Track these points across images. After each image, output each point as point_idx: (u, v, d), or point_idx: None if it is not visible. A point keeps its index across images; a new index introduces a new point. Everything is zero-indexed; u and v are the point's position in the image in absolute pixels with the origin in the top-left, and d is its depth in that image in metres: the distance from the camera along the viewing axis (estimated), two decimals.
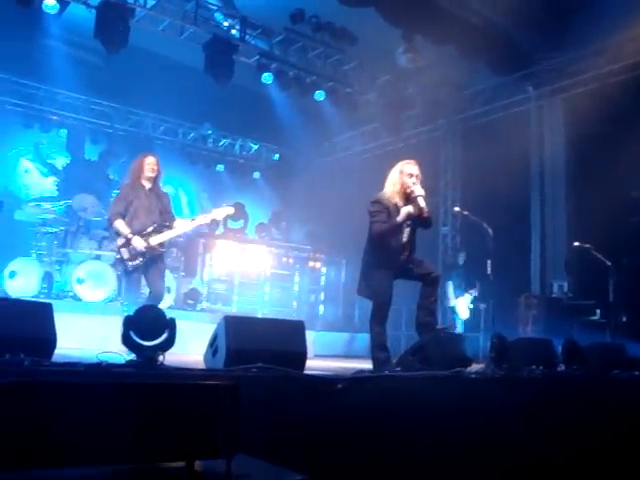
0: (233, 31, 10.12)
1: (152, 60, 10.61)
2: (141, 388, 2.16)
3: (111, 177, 11.49)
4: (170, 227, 6.02)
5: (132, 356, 3.51)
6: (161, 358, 3.49)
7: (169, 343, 3.65)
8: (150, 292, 5.98)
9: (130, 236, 5.71)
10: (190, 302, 9.78)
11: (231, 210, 6.35)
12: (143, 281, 5.94)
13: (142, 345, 3.46)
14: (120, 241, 5.80)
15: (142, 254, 5.75)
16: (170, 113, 12.52)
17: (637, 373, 5.90)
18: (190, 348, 5.17)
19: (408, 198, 5.36)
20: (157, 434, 2.11)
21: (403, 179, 5.38)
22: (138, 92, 10.96)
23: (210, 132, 13.35)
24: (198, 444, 2.13)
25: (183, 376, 3.16)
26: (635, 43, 9.13)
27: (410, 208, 5.25)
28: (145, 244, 5.74)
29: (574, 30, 9.39)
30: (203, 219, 6.17)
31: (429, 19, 9.10)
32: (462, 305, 9.59)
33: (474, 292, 9.67)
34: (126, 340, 3.47)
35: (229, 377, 3.19)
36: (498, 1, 8.56)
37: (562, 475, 3.96)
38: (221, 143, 13.87)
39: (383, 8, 8.81)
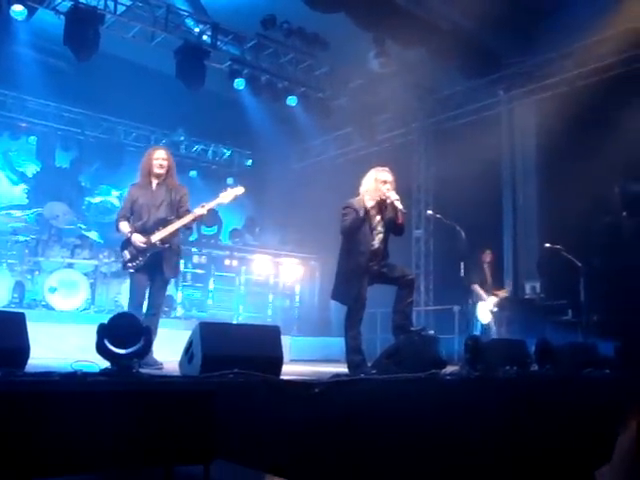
0: (204, 37, 10.08)
1: (123, 66, 10.53)
2: (118, 396, 2.16)
3: (83, 184, 11.38)
4: (171, 222, 5.53)
5: (107, 365, 3.48)
6: (136, 366, 3.46)
7: (144, 351, 3.62)
8: (150, 290, 5.62)
9: (129, 235, 5.43)
10: (165, 309, 9.70)
11: (240, 190, 5.80)
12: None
13: (117, 353, 3.43)
14: (123, 243, 5.54)
15: (142, 252, 5.41)
16: (142, 119, 12.44)
17: (608, 372, 6.01)
18: (165, 355, 5.15)
19: (382, 205, 5.42)
20: (135, 441, 2.10)
21: (377, 186, 5.43)
22: (109, 99, 10.87)
23: (182, 138, 13.29)
24: (176, 450, 2.13)
25: (159, 383, 3.14)
26: (602, 46, 9.31)
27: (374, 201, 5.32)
28: (144, 240, 5.38)
29: (542, 34, 9.54)
30: (210, 205, 5.65)
31: (399, 23, 9.18)
32: (483, 309, 8.95)
33: (502, 293, 9.14)
34: (101, 348, 3.44)
35: (205, 383, 3.18)
36: (466, 5, 8.66)
37: (538, 473, 4.02)
38: (194, 149, 13.81)
39: (353, 13, 8.86)
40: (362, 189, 5.54)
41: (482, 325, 8.89)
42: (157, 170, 5.60)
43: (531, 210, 10.74)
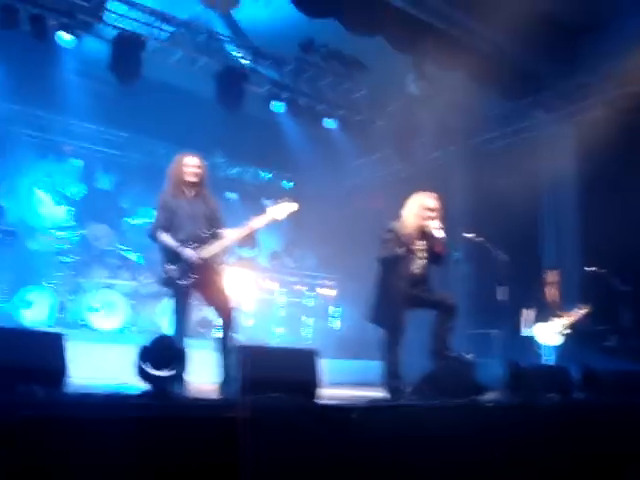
0: (244, 61, 10.24)
1: (164, 90, 10.73)
2: (154, 421, 2.16)
3: (124, 206, 11.57)
4: (219, 237, 5.19)
5: (146, 387, 3.50)
6: (176, 388, 3.48)
7: (181, 373, 3.64)
8: (215, 309, 5.24)
9: (179, 249, 4.98)
10: (201, 330, 9.76)
11: (294, 206, 5.40)
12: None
13: (156, 375, 3.45)
14: (166, 257, 5.08)
15: (195, 269, 4.99)
16: (182, 142, 12.54)
17: None
18: (204, 377, 5.16)
19: (424, 232, 5.38)
20: (171, 466, 2.09)
21: (419, 212, 5.39)
22: (151, 122, 11.07)
23: (222, 160, 13.44)
24: (214, 476, 2.12)
25: (199, 407, 3.14)
26: None
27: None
28: (198, 256, 4.99)
29: (583, 54, 9.44)
30: (260, 221, 5.23)
31: (437, 46, 9.16)
32: (546, 332, 8.55)
33: (582, 309, 8.52)
34: (140, 370, 3.47)
35: (244, 407, 3.17)
36: (505, 26, 8.61)
37: None
38: (233, 171, 13.95)
39: (391, 36, 8.88)
40: (404, 212, 5.50)
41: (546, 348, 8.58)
42: (190, 179, 5.20)
43: (572, 234, 10.53)
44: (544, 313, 8.61)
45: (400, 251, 5.21)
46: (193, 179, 5.22)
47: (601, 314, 8.64)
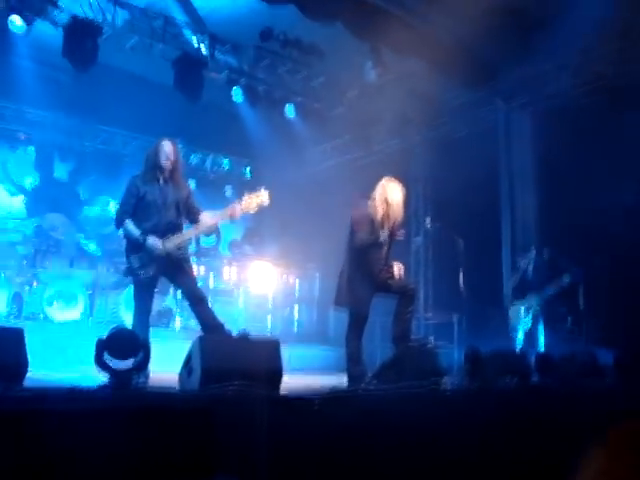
0: (202, 47, 10.13)
1: (121, 77, 10.56)
2: (116, 412, 2.15)
3: (81, 196, 11.38)
4: (192, 222, 5.20)
5: (106, 379, 3.47)
6: (137, 380, 3.45)
7: (143, 364, 3.62)
8: (186, 297, 5.18)
9: (141, 239, 4.89)
10: (164, 320, 9.69)
11: (266, 199, 5.42)
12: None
13: (116, 367, 3.42)
14: (129, 246, 5.01)
15: (157, 259, 4.90)
16: (140, 130, 12.44)
17: (608, 381, 6.00)
18: (165, 367, 5.13)
19: (390, 219, 5.44)
20: (134, 458, 2.09)
21: (396, 200, 5.48)
22: (108, 109, 10.87)
23: (180, 147, 13.29)
24: (174, 467, 2.12)
25: (158, 398, 3.13)
26: (599, 58, 9.35)
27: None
28: (161, 247, 4.91)
29: (540, 45, 9.58)
30: (234, 210, 5.20)
31: (395, 33, 9.18)
32: (520, 310, 8.65)
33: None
34: (99, 362, 3.43)
35: (204, 398, 3.17)
36: (464, 15, 8.69)
37: None
38: (192, 159, 13.81)
39: (349, 23, 8.88)
40: (375, 197, 5.55)
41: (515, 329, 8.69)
42: (164, 164, 5.14)
43: (530, 219, 10.74)
44: (522, 292, 8.73)
45: (382, 236, 5.26)
46: (166, 164, 5.18)
47: (557, 298, 8.84)
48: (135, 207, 5.05)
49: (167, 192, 5.14)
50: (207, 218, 5.27)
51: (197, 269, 10.44)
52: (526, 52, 9.52)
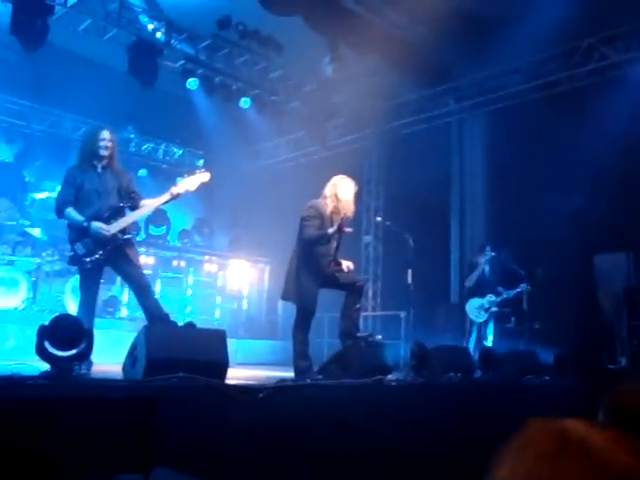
0: (158, 34, 9.96)
1: (73, 59, 10.29)
2: (54, 403, 2.10)
3: (27, 179, 11.04)
4: (134, 208, 5.14)
5: (48, 367, 3.39)
6: (77, 369, 3.39)
7: (86, 353, 3.55)
8: (131, 286, 5.14)
9: (86, 224, 4.81)
10: (109, 310, 9.51)
11: (206, 177, 5.47)
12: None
13: (57, 356, 3.34)
14: (73, 234, 4.92)
15: (102, 245, 4.83)
16: (91, 115, 12.11)
17: (547, 378, 6.18)
18: (110, 357, 5.04)
19: (339, 214, 5.46)
20: (72, 449, 2.04)
21: (353, 200, 5.51)
22: (57, 92, 10.60)
23: (133, 136, 13.06)
24: (115, 459, 2.08)
25: (100, 388, 3.07)
26: (549, 62, 9.60)
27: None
28: (107, 227, 4.85)
29: (493, 47, 9.76)
30: (174, 191, 5.18)
31: (353, 29, 9.24)
32: (476, 308, 8.73)
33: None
34: (40, 350, 3.35)
35: (148, 388, 3.12)
36: (420, 15, 8.79)
37: (480, 478, 4.09)
38: (144, 147, 13.59)
39: (309, 16, 8.88)
40: (327, 193, 5.56)
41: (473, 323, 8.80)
42: (102, 152, 5.07)
43: (478, 219, 10.95)
44: (481, 290, 8.85)
45: (331, 231, 5.27)
46: (104, 152, 5.10)
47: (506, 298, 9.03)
48: (75, 196, 5.00)
49: (106, 179, 5.11)
50: (149, 202, 5.26)
51: (145, 258, 10.28)
52: (480, 54, 9.69)
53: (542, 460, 0.93)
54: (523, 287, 8.52)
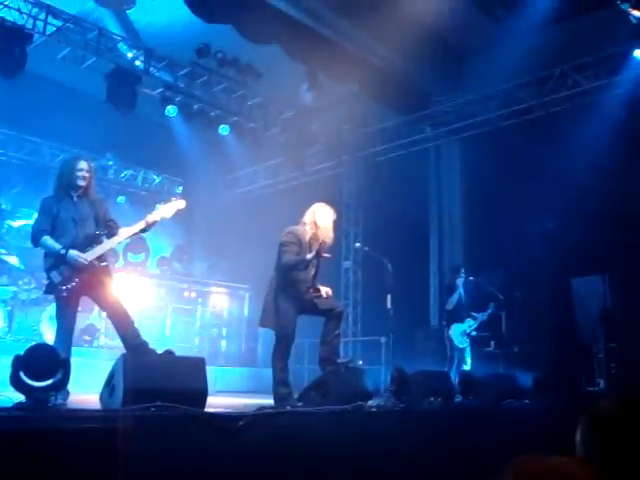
0: (137, 62, 9.99)
1: (51, 87, 10.27)
2: (28, 435, 2.07)
3: (3, 207, 10.94)
4: (111, 236, 5.11)
5: (23, 398, 3.33)
6: (53, 399, 3.33)
7: (62, 383, 3.49)
8: (108, 314, 5.08)
9: (63, 251, 4.78)
10: (87, 338, 9.40)
11: (182, 204, 5.51)
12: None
13: (32, 386, 3.29)
14: (48, 262, 4.86)
15: (78, 272, 4.80)
16: (69, 142, 12.08)
17: (527, 402, 6.20)
18: (87, 387, 4.96)
19: (317, 241, 5.48)
20: None
21: (332, 227, 5.55)
22: (35, 119, 10.56)
23: (111, 163, 13.02)
24: None
25: (76, 418, 3.02)
26: (524, 90, 9.80)
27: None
28: (84, 256, 4.83)
29: (468, 75, 9.96)
30: (149, 220, 5.20)
31: (331, 57, 9.37)
32: (458, 332, 8.82)
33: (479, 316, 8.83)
34: (15, 381, 3.29)
35: (126, 418, 3.08)
36: (397, 43, 8.93)
37: None
38: (123, 174, 13.55)
39: (286, 45, 8.98)
40: (306, 220, 5.58)
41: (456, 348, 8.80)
42: (80, 182, 5.08)
43: (457, 244, 11.05)
44: (459, 314, 8.88)
45: (310, 256, 5.28)
46: (82, 183, 5.12)
47: (481, 321, 9.10)
48: (52, 225, 4.98)
49: (82, 207, 5.11)
50: (125, 230, 5.26)
51: (124, 285, 10.20)
52: (456, 82, 9.88)
53: None
54: (492, 307, 8.61)
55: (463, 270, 8.96)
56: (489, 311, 8.67)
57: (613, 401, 1.57)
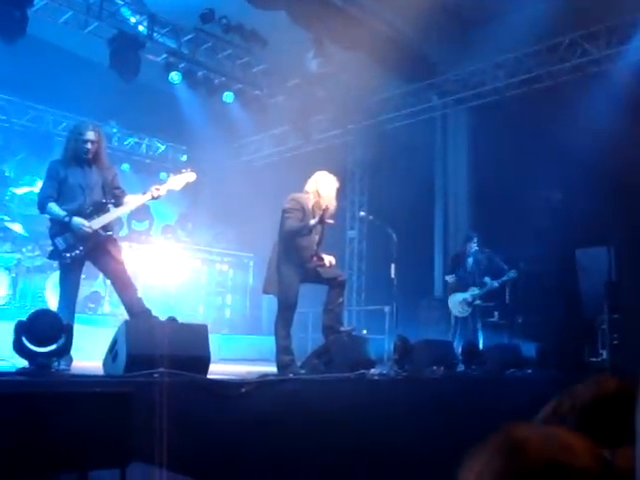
0: (140, 27, 9.85)
1: (53, 52, 10.15)
2: (27, 397, 2.07)
3: (7, 174, 10.91)
4: (118, 205, 5.10)
5: (26, 363, 3.34)
6: (56, 365, 3.34)
7: (65, 349, 3.50)
8: (112, 282, 5.09)
9: (67, 219, 4.78)
10: (91, 306, 9.44)
11: (192, 176, 5.48)
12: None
13: (35, 352, 3.30)
14: (54, 228, 4.87)
15: (83, 240, 4.80)
16: (72, 109, 11.99)
17: (530, 372, 6.22)
18: (91, 354, 4.98)
19: (320, 209, 5.46)
20: (47, 444, 2.01)
21: (335, 195, 5.52)
22: (38, 85, 10.46)
23: (115, 130, 12.94)
24: (91, 454, 2.06)
25: (78, 384, 3.04)
26: (532, 59, 9.64)
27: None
28: (88, 224, 4.81)
29: (475, 43, 9.79)
30: (158, 190, 5.18)
31: (337, 24, 9.22)
32: (459, 302, 8.77)
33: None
34: (18, 346, 3.30)
35: (128, 383, 3.09)
36: (404, 11, 8.78)
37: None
38: (127, 142, 13.47)
39: (293, 11, 8.84)
40: (309, 188, 5.56)
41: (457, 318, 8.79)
42: (85, 153, 5.05)
43: (462, 214, 10.99)
44: (463, 283, 8.84)
45: (313, 222, 5.28)
46: (88, 155, 5.06)
47: (485, 291, 9.09)
48: (59, 190, 4.95)
49: (90, 174, 5.07)
50: (132, 199, 5.26)
51: (128, 253, 10.21)
52: (464, 50, 9.72)
53: (511, 466, 0.93)
54: (511, 274, 8.51)
55: (476, 239, 8.88)
56: (504, 278, 8.56)
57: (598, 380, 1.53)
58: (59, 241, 4.86)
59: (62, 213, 4.85)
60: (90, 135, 5.10)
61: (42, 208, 4.98)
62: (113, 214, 5.09)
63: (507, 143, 9.22)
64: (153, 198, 5.22)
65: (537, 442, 0.96)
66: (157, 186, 5.24)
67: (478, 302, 8.70)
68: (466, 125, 11.12)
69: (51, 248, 4.98)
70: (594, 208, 8.22)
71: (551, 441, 0.96)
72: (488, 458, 0.96)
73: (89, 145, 5.05)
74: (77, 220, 4.82)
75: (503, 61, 9.96)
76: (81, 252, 4.86)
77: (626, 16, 8.53)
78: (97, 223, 4.92)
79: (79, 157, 5.07)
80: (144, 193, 5.28)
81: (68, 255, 4.83)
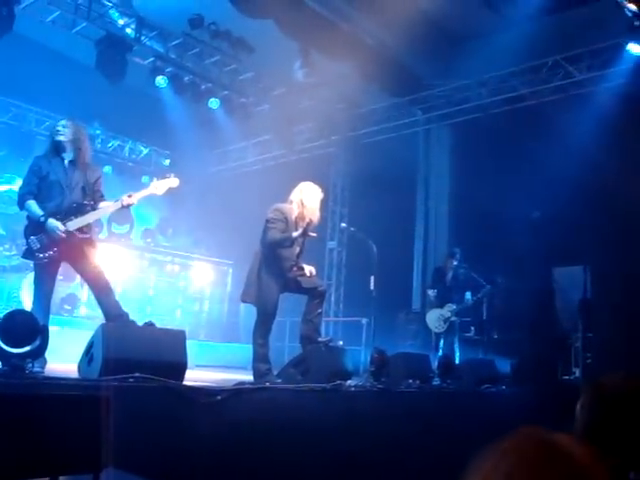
0: (128, 30, 9.83)
1: (39, 51, 10.07)
2: (3, 400, 2.05)
3: None
4: (94, 208, 4.98)
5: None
6: (30, 366, 3.31)
7: (40, 351, 3.46)
8: (89, 284, 5.01)
9: (43, 219, 4.69)
10: (67, 308, 9.34)
11: (175, 182, 5.38)
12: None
13: (9, 352, 3.26)
14: (30, 227, 4.79)
15: (57, 242, 4.71)
16: (56, 109, 11.86)
17: (504, 388, 6.27)
18: (66, 356, 4.92)
19: (304, 221, 5.47)
20: (18, 449, 1.99)
21: (319, 207, 5.56)
22: (21, 83, 10.35)
23: (99, 132, 12.86)
24: (63, 459, 2.04)
25: (53, 386, 3.00)
26: (516, 78, 9.78)
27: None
28: (63, 228, 4.72)
29: (461, 60, 9.91)
30: (130, 198, 5.03)
31: (325, 35, 9.27)
32: (436, 318, 8.74)
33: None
34: None
35: (103, 387, 3.07)
36: (391, 25, 8.86)
37: None
38: (110, 144, 13.40)
39: (281, 20, 8.88)
40: (293, 199, 5.56)
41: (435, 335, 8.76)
42: (57, 138, 4.95)
43: (442, 229, 11.08)
44: (440, 299, 8.86)
45: (296, 234, 5.28)
46: (59, 138, 4.98)
47: (463, 307, 9.15)
48: (39, 187, 4.87)
49: (72, 173, 4.99)
50: (105, 206, 5.15)
51: (107, 256, 10.12)
52: (449, 67, 9.83)
53: (524, 467, 0.94)
54: (485, 290, 8.57)
55: (459, 256, 8.93)
56: (480, 294, 8.62)
57: (622, 376, 1.58)
58: (33, 241, 4.79)
59: (39, 213, 4.78)
60: (62, 122, 5.04)
61: (21, 204, 4.91)
62: (90, 217, 5.00)
63: (488, 160, 9.32)
64: (123, 207, 5.09)
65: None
66: (130, 193, 5.11)
67: (454, 319, 8.73)
68: (449, 141, 11.22)
69: (25, 247, 4.91)
70: (571, 227, 8.34)
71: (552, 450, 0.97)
72: (499, 458, 0.97)
73: (59, 137, 4.96)
74: (52, 223, 4.74)
75: (487, 79, 10.10)
76: (55, 253, 4.79)
77: (609, 41, 8.69)
78: (74, 224, 4.85)
79: (60, 152, 4.99)
80: (116, 201, 5.16)
81: (41, 255, 4.76)
